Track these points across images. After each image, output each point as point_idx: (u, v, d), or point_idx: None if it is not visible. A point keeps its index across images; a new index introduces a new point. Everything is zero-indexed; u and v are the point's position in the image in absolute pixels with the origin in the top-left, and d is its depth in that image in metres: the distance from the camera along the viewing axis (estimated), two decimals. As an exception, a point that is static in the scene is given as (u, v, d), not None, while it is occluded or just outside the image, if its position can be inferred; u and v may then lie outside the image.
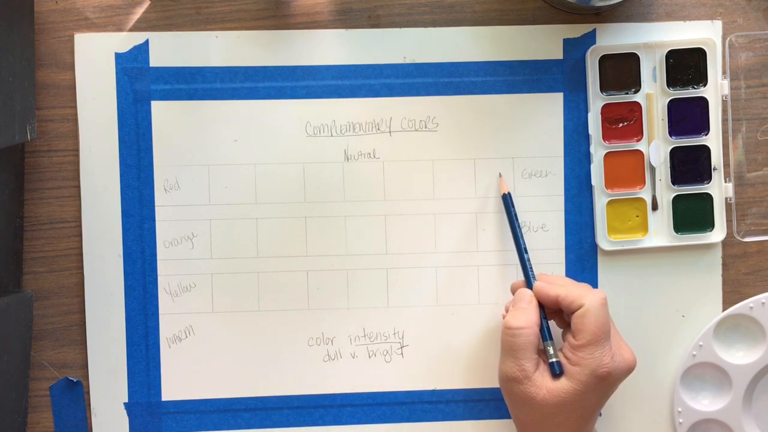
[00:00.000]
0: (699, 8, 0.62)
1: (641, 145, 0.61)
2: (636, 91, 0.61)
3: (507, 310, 0.59)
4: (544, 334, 0.57)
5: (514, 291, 0.60)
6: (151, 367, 0.61)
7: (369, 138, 0.61)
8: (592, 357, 0.54)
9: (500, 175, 0.61)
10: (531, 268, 0.59)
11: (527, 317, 0.56)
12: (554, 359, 0.56)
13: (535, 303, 0.58)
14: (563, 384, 0.55)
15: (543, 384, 0.55)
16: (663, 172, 0.61)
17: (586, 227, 0.62)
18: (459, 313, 0.61)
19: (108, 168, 0.61)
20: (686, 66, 0.61)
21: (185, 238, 0.61)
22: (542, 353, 0.57)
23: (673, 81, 0.61)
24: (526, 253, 0.59)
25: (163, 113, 0.61)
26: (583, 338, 0.55)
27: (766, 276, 0.62)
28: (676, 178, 0.61)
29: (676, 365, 0.62)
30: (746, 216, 0.62)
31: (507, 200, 0.60)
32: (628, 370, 0.56)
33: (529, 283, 0.59)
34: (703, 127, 0.61)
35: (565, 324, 0.58)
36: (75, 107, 0.61)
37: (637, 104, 0.61)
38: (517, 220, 0.60)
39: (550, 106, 0.61)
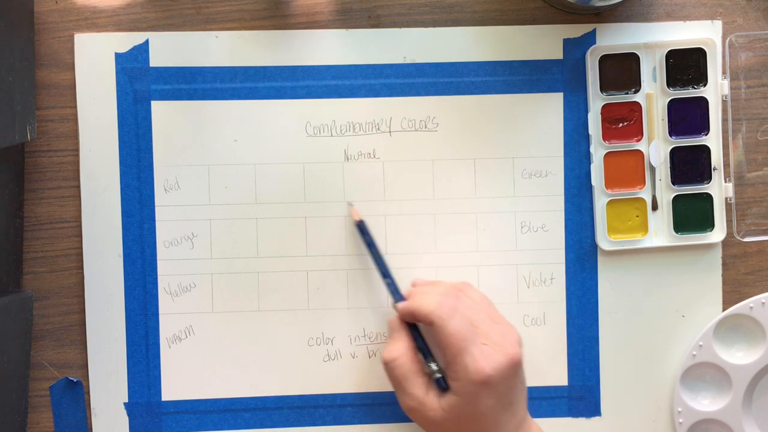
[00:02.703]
0: (699, 8, 0.62)
1: (641, 145, 0.61)
2: (636, 91, 0.61)
3: None
4: (424, 353, 0.56)
5: (401, 299, 0.59)
6: (151, 367, 0.61)
7: (369, 138, 0.61)
8: (463, 367, 0.52)
9: (350, 204, 0.60)
10: (397, 291, 0.59)
11: (398, 346, 0.56)
12: (437, 375, 0.55)
13: (403, 329, 0.57)
14: (453, 400, 0.53)
15: (437, 405, 0.54)
16: (663, 172, 0.61)
17: (586, 227, 0.62)
18: (459, 313, 0.61)
19: (108, 168, 0.61)
20: (686, 66, 0.61)
21: (185, 238, 0.61)
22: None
23: (673, 81, 0.61)
24: (387, 277, 0.59)
25: (163, 113, 0.61)
26: (447, 352, 0.53)
27: (766, 276, 0.62)
28: (676, 178, 0.61)
29: (676, 365, 0.62)
30: (746, 216, 0.62)
31: (362, 227, 0.60)
32: (512, 364, 0.53)
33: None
34: (703, 127, 0.61)
35: None
36: (75, 107, 0.61)
37: (637, 104, 0.61)
38: (374, 245, 0.60)
39: (550, 106, 0.61)
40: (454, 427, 0.54)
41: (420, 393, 0.54)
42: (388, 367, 0.55)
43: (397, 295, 0.59)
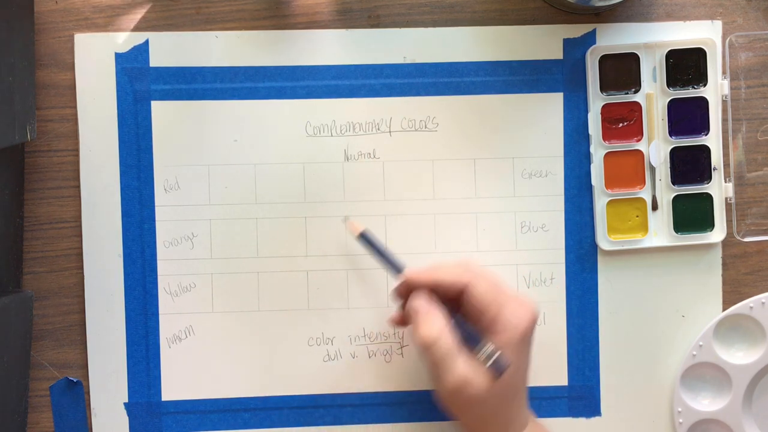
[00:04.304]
0: (699, 8, 0.62)
1: (641, 145, 0.61)
2: (636, 91, 0.61)
3: (397, 321, 0.57)
4: (470, 338, 0.53)
5: (411, 284, 0.55)
6: (151, 367, 0.61)
7: (369, 138, 0.61)
8: (506, 322, 0.52)
9: (347, 218, 0.60)
10: (397, 265, 0.57)
11: (436, 324, 0.52)
12: (493, 357, 0.52)
13: (434, 302, 0.54)
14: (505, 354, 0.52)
15: (482, 377, 0.52)
16: (663, 172, 0.61)
17: (586, 227, 0.62)
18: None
19: (108, 168, 0.61)
20: (686, 66, 0.61)
21: (185, 238, 0.61)
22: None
23: (673, 81, 0.61)
24: (402, 271, 0.57)
25: (163, 113, 0.61)
26: (488, 312, 0.52)
27: (766, 276, 0.62)
28: (676, 178, 0.61)
29: (676, 365, 0.62)
30: (746, 216, 0.62)
31: (366, 238, 0.58)
32: (536, 315, 0.53)
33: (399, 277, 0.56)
34: (703, 127, 0.61)
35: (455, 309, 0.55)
36: (75, 107, 0.61)
37: (637, 104, 0.61)
38: (383, 250, 0.58)
39: (550, 106, 0.61)
40: (497, 399, 0.52)
41: (465, 368, 0.52)
42: (433, 347, 0.52)
43: (397, 269, 0.57)
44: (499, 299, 0.53)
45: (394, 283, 0.57)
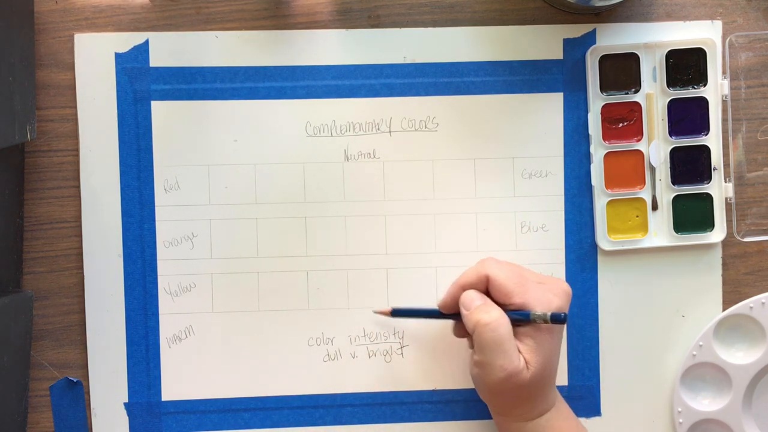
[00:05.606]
0: (699, 8, 0.62)
1: (641, 145, 0.61)
2: (636, 91, 0.61)
3: (458, 329, 0.58)
4: (519, 315, 0.54)
5: (445, 307, 0.58)
6: (151, 367, 0.61)
7: (369, 138, 0.61)
8: (538, 300, 0.54)
9: (374, 312, 0.61)
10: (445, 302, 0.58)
11: (494, 308, 0.54)
12: (548, 313, 0.53)
13: (485, 297, 0.56)
14: (542, 342, 0.54)
15: (524, 364, 0.53)
16: (663, 172, 0.61)
17: (586, 227, 0.62)
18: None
19: (108, 168, 0.61)
20: (686, 66, 0.61)
21: (185, 238, 0.61)
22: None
23: (673, 81, 0.61)
24: (441, 315, 0.59)
25: (163, 113, 0.61)
26: (517, 294, 0.54)
27: (766, 276, 0.62)
28: (676, 178, 0.61)
29: (676, 365, 0.62)
30: (746, 216, 0.62)
31: (399, 312, 0.60)
32: (569, 292, 0.56)
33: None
34: (703, 127, 0.61)
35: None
36: (75, 107, 0.61)
37: (637, 104, 0.61)
38: (419, 310, 0.60)
39: (550, 106, 0.61)
40: (542, 372, 0.54)
41: (516, 354, 0.53)
42: (494, 325, 0.53)
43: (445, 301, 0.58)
44: (522, 283, 0.55)
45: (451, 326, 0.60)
